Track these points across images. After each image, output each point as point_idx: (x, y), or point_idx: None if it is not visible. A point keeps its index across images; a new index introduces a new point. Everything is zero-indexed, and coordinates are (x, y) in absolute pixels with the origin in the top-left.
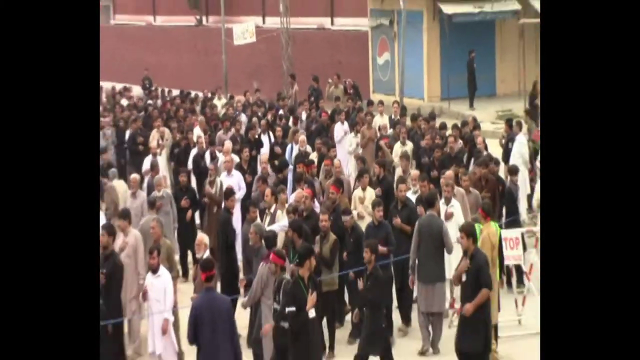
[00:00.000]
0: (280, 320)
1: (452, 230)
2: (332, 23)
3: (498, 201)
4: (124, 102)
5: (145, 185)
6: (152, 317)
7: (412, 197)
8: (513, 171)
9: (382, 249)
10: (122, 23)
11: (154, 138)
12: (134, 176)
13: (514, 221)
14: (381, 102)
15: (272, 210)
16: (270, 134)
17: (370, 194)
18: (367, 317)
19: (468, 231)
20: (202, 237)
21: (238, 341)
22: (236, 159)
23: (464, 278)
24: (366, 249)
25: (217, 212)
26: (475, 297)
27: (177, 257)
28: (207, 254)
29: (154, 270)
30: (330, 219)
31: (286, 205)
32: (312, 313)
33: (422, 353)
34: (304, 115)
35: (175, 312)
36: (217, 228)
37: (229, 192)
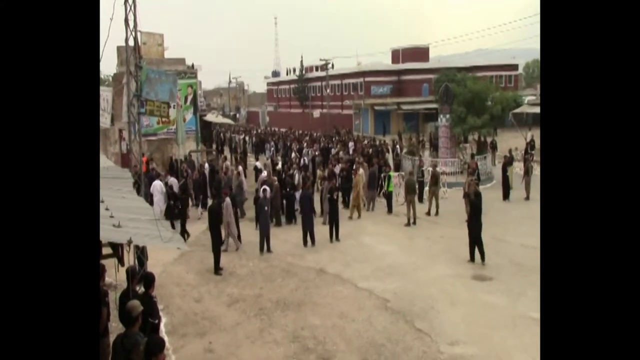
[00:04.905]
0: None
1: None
2: (342, 110)
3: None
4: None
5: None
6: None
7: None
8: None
9: (332, 181)
10: (280, 111)
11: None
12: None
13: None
14: (359, 136)
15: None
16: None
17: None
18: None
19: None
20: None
21: (313, 207)
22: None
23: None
24: (332, 181)
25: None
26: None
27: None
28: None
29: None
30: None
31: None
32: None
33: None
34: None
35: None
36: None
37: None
